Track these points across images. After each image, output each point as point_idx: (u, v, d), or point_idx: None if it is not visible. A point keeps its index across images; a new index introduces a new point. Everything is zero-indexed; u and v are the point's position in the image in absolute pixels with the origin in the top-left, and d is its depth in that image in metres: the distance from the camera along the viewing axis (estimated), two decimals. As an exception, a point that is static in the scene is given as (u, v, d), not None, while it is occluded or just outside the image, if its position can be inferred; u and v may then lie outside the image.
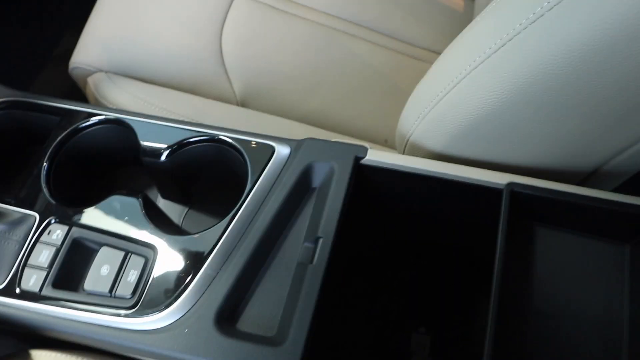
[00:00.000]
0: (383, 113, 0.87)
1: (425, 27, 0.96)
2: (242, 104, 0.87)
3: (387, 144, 0.85)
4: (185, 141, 0.62)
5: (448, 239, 0.68)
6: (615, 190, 0.60)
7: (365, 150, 0.57)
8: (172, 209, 0.71)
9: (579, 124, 0.49)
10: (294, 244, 0.55)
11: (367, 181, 0.59)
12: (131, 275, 0.54)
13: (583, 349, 0.54)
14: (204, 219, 0.70)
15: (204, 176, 0.68)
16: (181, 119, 0.66)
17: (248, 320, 0.52)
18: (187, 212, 0.72)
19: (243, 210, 0.56)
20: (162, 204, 0.71)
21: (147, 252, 0.55)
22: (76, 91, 0.95)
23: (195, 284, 0.52)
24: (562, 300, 0.56)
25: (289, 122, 0.83)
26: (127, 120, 0.63)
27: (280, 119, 0.83)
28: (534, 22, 0.44)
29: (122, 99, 0.82)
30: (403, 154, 0.63)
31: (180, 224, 0.71)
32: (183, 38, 0.87)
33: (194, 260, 0.54)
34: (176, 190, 0.68)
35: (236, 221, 0.56)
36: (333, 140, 0.59)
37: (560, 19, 0.42)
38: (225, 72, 0.86)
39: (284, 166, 0.58)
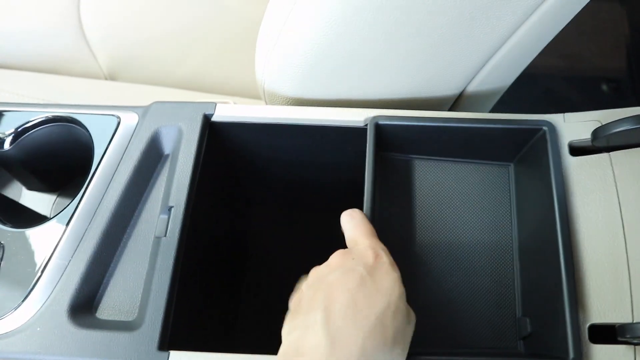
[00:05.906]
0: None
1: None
2: (111, 77, 0.80)
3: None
4: (24, 125, 0.56)
5: (325, 189, 0.65)
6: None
7: (214, 106, 0.53)
8: (39, 200, 0.66)
9: (420, 45, 0.46)
10: (152, 218, 0.51)
11: (225, 140, 0.55)
12: (-22, 279, 0.49)
13: (476, 278, 0.51)
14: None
15: (62, 160, 0.63)
16: (33, 101, 0.60)
17: (108, 307, 0.48)
18: (56, 199, 0.67)
19: (91, 189, 0.51)
20: (29, 195, 0.66)
21: (-8, 252, 0.50)
22: None
23: (46, 277, 0.48)
24: (449, 230, 0.53)
25: (162, 89, 0.77)
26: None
27: (153, 87, 0.77)
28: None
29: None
30: (266, 104, 0.59)
31: (49, 214, 0.66)
32: (37, 14, 0.80)
33: (45, 251, 0.49)
34: (34, 179, 0.63)
35: (85, 202, 0.51)
36: (182, 101, 0.54)
37: None
38: (87, 45, 0.79)
39: (132, 136, 0.53)
